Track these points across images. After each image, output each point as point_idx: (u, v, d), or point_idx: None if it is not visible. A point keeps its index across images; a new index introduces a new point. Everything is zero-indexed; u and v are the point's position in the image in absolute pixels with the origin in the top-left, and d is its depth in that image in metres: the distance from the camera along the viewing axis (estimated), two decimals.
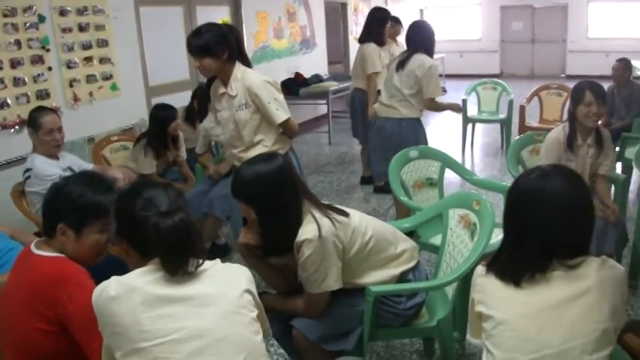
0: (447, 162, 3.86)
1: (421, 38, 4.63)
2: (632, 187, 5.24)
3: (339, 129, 9.79)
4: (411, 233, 3.30)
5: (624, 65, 6.08)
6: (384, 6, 13.40)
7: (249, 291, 1.79)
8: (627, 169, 5.10)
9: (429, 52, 4.62)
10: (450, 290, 2.64)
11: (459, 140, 7.82)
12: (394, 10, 13.66)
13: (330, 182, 6.63)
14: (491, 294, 1.74)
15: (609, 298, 1.64)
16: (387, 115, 4.73)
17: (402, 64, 4.58)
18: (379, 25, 5.83)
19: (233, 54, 3.46)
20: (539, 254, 1.68)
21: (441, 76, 15.03)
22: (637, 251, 3.82)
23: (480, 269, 1.81)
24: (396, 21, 7.27)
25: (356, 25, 12.19)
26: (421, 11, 17.31)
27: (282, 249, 2.39)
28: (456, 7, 17.40)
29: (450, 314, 2.63)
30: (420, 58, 4.51)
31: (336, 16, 11.74)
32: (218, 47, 3.37)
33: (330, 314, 2.42)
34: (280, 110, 3.52)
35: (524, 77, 16.13)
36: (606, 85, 6.20)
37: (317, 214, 2.32)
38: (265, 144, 3.59)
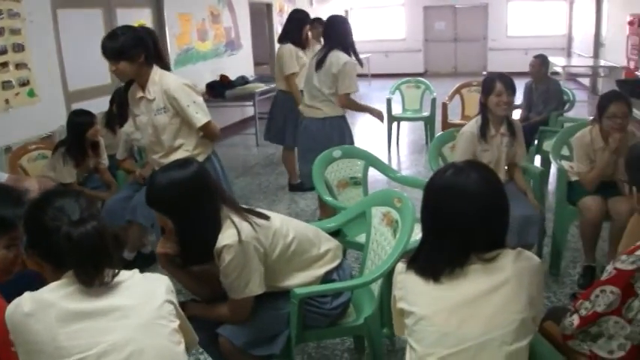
0: (370, 161, 3.90)
1: (337, 34, 4.55)
2: (551, 178, 5.42)
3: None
4: (337, 232, 3.32)
5: (541, 62, 6.30)
6: (308, 7, 13.55)
7: (169, 301, 1.74)
8: (545, 162, 5.30)
9: (346, 48, 4.54)
10: (376, 287, 2.66)
11: (385, 138, 7.95)
12: (319, 12, 13.76)
13: (259, 184, 6.59)
14: (412, 290, 1.76)
15: (526, 289, 1.68)
16: (311, 115, 4.70)
17: (319, 63, 4.53)
18: (298, 26, 5.81)
19: (150, 57, 3.38)
20: (457, 249, 1.71)
21: (366, 75, 15.39)
22: (556, 241, 3.98)
23: (400, 266, 1.83)
24: (320, 22, 7.28)
25: (281, 26, 12.14)
26: (346, 12, 17.43)
27: (203, 256, 2.34)
28: (380, 8, 17.63)
29: (377, 311, 2.65)
30: (335, 55, 4.46)
31: (262, 17, 11.69)
32: (134, 50, 3.28)
33: (256, 319, 2.40)
34: (200, 113, 3.46)
35: (448, 75, 16.49)
36: (525, 81, 6.47)
37: (236, 219, 2.28)
38: (186, 148, 3.53)
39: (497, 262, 1.70)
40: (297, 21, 5.85)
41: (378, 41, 17.38)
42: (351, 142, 4.66)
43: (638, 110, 5.38)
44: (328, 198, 3.54)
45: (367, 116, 9.13)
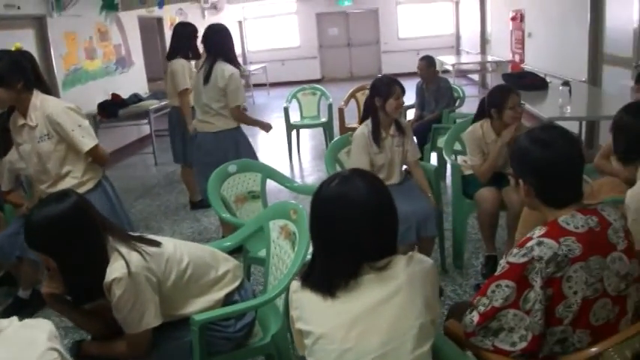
0: (267, 173, 3.83)
1: (217, 43, 4.41)
2: (448, 173, 5.54)
3: (164, 148, 9.47)
4: (240, 248, 3.23)
5: (427, 62, 6.42)
6: (200, 20, 13.36)
7: (52, 349, 1.59)
8: (441, 159, 5.42)
9: (230, 58, 4.40)
10: (281, 303, 2.58)
11: (285, 147, 7.93)
12: (213, 22, 13.58)
13: (159, 205, 6.37)
14: (308, 308, 1.70)
15: (421, 293, 1.66)
16: (205, 129, 4.57)
17: (206, 77, 4.39)
18: (187, 39, 5.63)
19: (29, 82, 3.20)
20: (349, 261, 1.66)
21: (265, 85, 15.34)
22: (456, 234, 4.06)
23: (295, 285, 1.76)
24: None
25: None
26: (240, 23, 17.36)
27: (93, 293, 2.19)
28: (273, 17, 17.66)
29: (284, 327, 2.57)
30: (220, 69, 4.32)
31: (153, 32, 11.41)
32: (11, 77, 3.10)
33: (157, 351, 2.27)
34: (86, 137, 3.29)
35: (345, 80, 16.73)
36: (417, 82, 6.62)
37: (124, 250, 2.15)
38: (74, 175, 3.34)
39: (390, 269, 1.67)
40: (186, 34, 5.65)
41: (273, 50, 17.45)
42: (249, 154, 4.55)
43: (523, 101, 5.59)
44: (225, 215, 3.43)
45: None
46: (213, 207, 3.51)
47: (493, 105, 3.76)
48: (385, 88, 3.66)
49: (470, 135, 3.87)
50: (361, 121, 3.86)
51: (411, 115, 6.92)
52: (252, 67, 15.50)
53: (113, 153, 8.67)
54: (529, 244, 1.72)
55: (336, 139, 4.26)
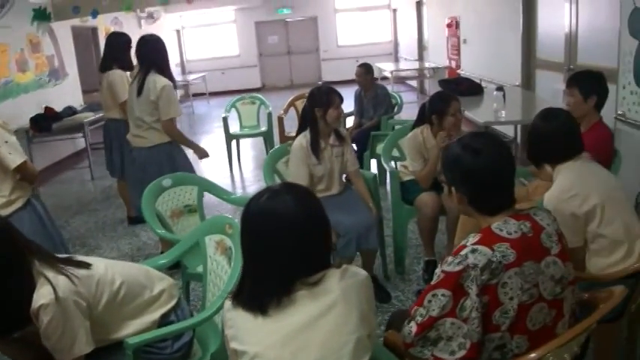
0: (203, 186, 3.75)
1: (150, 55, 4.28)
2: (388, 179, 5.55)
3: (101, 162, 9.20)
4: (178, 264, 3.14)
5: (365, 70, 6.46)
6: (137, 29, 13.12)
7: None
8: (380, 165, 5.43)
9: (163, 69, 4.28)
10: (220, 321, 2.51)
11: (226, 157, 7.84)
12: (150, 32, 13.36)
13: (96, 221, 6.17)
14: (242, 327, 1.64)
15: (356, 306, 1.62)
16: (139, 144, 4.43)
17: (139, 90, 4.25)
18: (121, 50, 5.47)
19: None
20: (280, 277, 1.62)
21: (204, 94, 15.18)
22: (397, 240, 4.07)
23: (228, 303, 1.71)
24: None
25: None
26: (178, 32, 17.16)
27: (20, 321, 2.07)
28: (212, 26, 17.52)
29: (224, 346, 2.49)
30: (152, 80, 4.20)
31: (87, 43, 11.13)
32: None
33: None
34: (14, 154, 3.15)
35: (285, 88, 16.75)
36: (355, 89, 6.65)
37: (50, 274, 2.03)
38: (2, 194, 3.19)
39: (323, 284, 1.63)
40: (120, 44, 5.47)
41: (213, 59, 17.31)
42: (186, 167, 4.44)
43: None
44: (160, 231, 3.33)
45: (208, 137, 9.05)
46: (148, 223, 3.41)
47: (434, 111, 3.78)
48: (325, 97, 3.62)
49: (411, 141, 3.89)
50: (298, 131, 3.79)
51: (350, 122, 6.93)
52: (191, 77, 15.33)
53: (48, 168, 8.49)
54: (463, 252, 1.71)
55: (273, 149, 4.21)
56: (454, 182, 1.91)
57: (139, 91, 4.25)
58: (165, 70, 4.29)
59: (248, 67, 17.39)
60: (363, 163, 5.52)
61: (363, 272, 1.73)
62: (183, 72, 17.12)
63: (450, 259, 1.72)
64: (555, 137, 2.52)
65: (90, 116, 8.44)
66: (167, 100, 4.20)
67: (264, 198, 1.67)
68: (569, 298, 1.83)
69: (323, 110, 3.60)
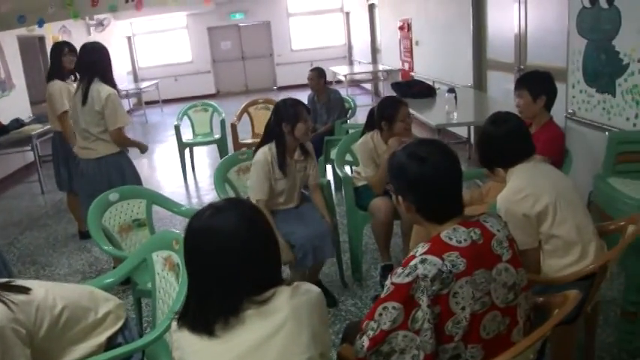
0: (152, 198, 3.63)
1: (92, 63, 4.12)
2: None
3: (52, 174, 9.00)
4: (129, 280, 3.03)
5: (317, 74, 6.42)
6: (86, 36, 12.84)
7: None
8: (336, 170, 5.38)
9: (106, 77, 4.13)
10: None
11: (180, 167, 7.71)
12: (99, 39, 13.08)
13: (47, 237, 5.98)
14: (188, 350, 1.57)
15: (307, 325, 1.57)
16: (86, 156, 4.27)
17: (83, 100, 4.10)
18: (57, 59, 5.28)
19: None
20: (225, 296, 1.55)
21: (157, 102, 14.95)
22: (353, 246, 4.02)
23: (174, 324, 1.63)
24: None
25: None
26: (129, 39, 16.89)
27: None
28: (163, 32, 17.28)
29: None
30: (95, 90, 4.05)
31: (34, 52, 10.83)
32: None
33: None
34: None
35: (240, 94, 16.63)
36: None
37: None
38: None
39: (273, 302, 1.57)
40: (59, 54, 5.25)
41: (165, 66, 17.09)
42: (135, 179, 4.33)
43: (410, 109, 5.67)
44: (107, 248, 3.21)
45: (162, 146, 8.89)
46: (94, 239, 3.28)
47: (384, 117, 3.76)
48: (292, 112, 3.49)
49: (362, 147, 3.85)
50: (261, 144, 3.64)
51: None
52: (143, 84, 15.07)
53: None
54: (412, 262, 1.67)
55: (223, 158, 4.12)
56: (400, 191, 1.87)
57: (83, 101, 4.10)
58: (108, 79, 4.15)
59: (202, 74, 17.22)
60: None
61: (316, 289, 1.68)
62: (136, 80, 16.85)
63: (399, 270, 1.68)
64: (505, 141, 2.51)
65: (38, 128, 8.20)
66: (113, 109, 4.06)
67: (206, 215, 1.62)
68: (522, 305, 1.80)
69: (291, 125, 3.49)
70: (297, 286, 1.64)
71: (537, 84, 3.46)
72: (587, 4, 4.29)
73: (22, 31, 9.65)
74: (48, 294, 2.09)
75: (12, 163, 8.79)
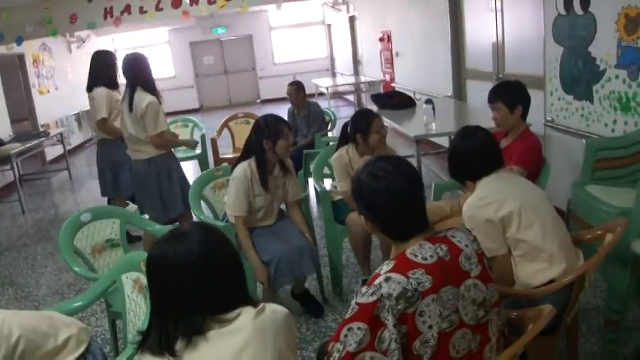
0: (126, 217, 3.56)
1: (133, 73, 4.31)
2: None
3: (34, 192, 9.01)
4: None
5: (296, 87, 6.38)
6: (67, 53, 12.78)
7: None
8: None
9: (148, 86, 4.29)
10: None
11: None
12: (80, 56, 13.05)
13: (26, 257, 5.88)
14: None
15: (271, 346, 1.55)
16: (137, 157, 4.46)
17: (130, 107, 4.28)
18: (106, 68, 5.39)
19: None
20: (186, 318, 1.53)
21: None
22: (332, 260, 3.97)
23: (137, 350, 1.59)
24: None
25: (38, 78, 11.30)
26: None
27: None
28: (144, 48, 17.15)
29: None
30: (138, 98, 4.21)
31: (14, 70, 10.72)
32: None
33: None
34: None
35: (224, 108, 16.59)
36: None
37: None
38: None
39: (236, 322, 1.55)
40: (105, 64, 5.42)
41: None
42: (181, 180, 4.56)
43: (390, 120, 5.65)
44: (77, 269, 3.13)
45: None
46: (64, 261, 3.21)
47: (358, 130, 3.73)
48: (273, 128, 3.45)
49: (337, 161, 3.82)
50: (240, 159, 3.60)
51: None
52: None
53: None
54: (377, 281, 1.62)
55: (199, 175, 4.07)
56: (360, 209, 1.84)
57: (130, 109, 4.29)
58: (150, 87, 4.31)
59: (185, 88, 17.17)
60: None
61: (283, 310, 1.66)
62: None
63: (363, 289, 1.63)
64: (474, 155, 2.51)
65: (17, 147, 8.12)
66: (152, 116, 4.22)
67: (167, 239, 1.62)
68: (494, 321, 1.75)
69: (272, 142, 3.44)
70: (262, 307, 1.62)
71: (512, 94, 3.44)
72: (563, 11, 4.29)
73: (2, 49, 9.58)
74: (4, 323, 2.02)
75: None
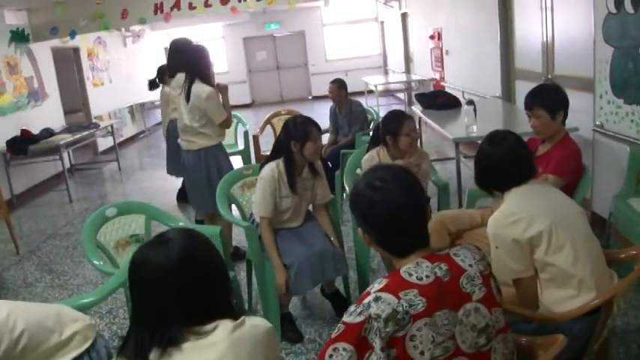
0: (151, 214, 3.54)
1: (185, 63, 4.42)
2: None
3: (84, 182, 9.25)
4: None
5: (338, 85, 6.28)
6: (122, 47, 13.01)
7: None
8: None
9: (204, 75, 4.35)
10: None
11: None
12: (135, 50, 13.29)
13: (67, 245, 6.00)
14: None
15: None
16: (188, 147, 4.56)
17: (187, 97, 4.38)
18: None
19: None
20: (162, 327, 1.49)
21: None
22: (360, 267, 3.85)
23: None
24: None
25: (92, 70, 11.55)
26: (166, 49, 17.02)
27: None
28: (199, 43, 17.30)
29: None
30: (196, 90, 4.29)
31: (69, 63, 11.01)
32: None
33: None
34: None
35: (275, 103, 16.63)
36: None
37: None
38: None
39: (212, 335, 1.49)
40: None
41: None
42: (230, 169, 4.55)
43: (432, 121, 5.51)
44: (96, 262, 3.12)
45: None
46: (86, 256, 3.21)
47: (388, 132, 3.62)
48: (302, 130, 3.36)
49: (367, 164, 3.71)
50: (269, 158, 3.52)
51: (324, 139, 6.72)
52: None
53: (28, 191, 8.44)
54: (366, 300, 1.52)
55: (229, 173, 4.02)
56: (357, 220, 1.72)
57: (187, 99, 4.39)
58: (207, 78, 4.38)
59: (237, 84, 17.24)
60: (334, 184, 5.31)
61: (265, 325, 1.59)
62: None
63: (352, 308, 1.53)
64: (502, 162, 2.32)
65: (67, 138, 8.31)
66: (215, 106, 4.35)
67: (150, 244, 1.59)
68: (499, 349, 1.61)
69: (300, 144, 3.36)
70: (242, 320, 1.56)
71: (553, 100, 3.23)
72: (613, 10, 4.06)
73: (57, 42, 9.84)
74: (10, 316, 2.03)
75: (43, 172, 8.91)
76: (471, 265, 1.61)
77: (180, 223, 3.56)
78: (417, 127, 6.87)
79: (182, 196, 6.61)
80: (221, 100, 4.43)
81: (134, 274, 1.57)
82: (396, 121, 3.61)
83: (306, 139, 3.35)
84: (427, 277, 1.54)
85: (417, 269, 1.56)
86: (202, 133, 4.48)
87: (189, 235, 1.62)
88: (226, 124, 4.55)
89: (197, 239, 1.61)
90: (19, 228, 6.83)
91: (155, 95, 13.81)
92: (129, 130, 12.86)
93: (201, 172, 4.50)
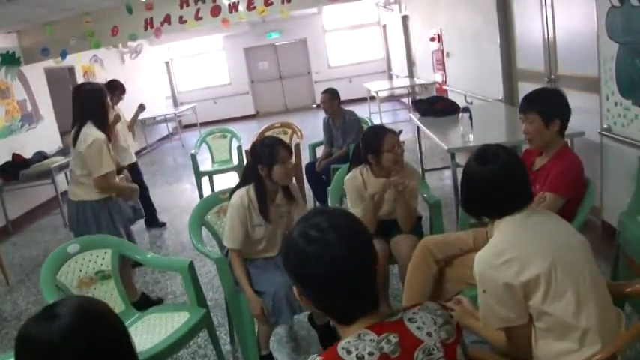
0: (119, 247, 3.27)
1: (88, 105, 3.88)
2: None
3: None
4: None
5: (330, 95, 5.98)
6: (120, 64, 12.81)
7: None
8: None
9: (98, 118, 3.88)
10: None
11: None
12: (133, 66, 13.09)
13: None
14: None
15: None
16: (69, 197, 4.08)
17: (74, 141, 3.90)
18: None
19: None
20: None
21: (195, 125, 14.80)
22: None
23: None
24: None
25: None
26: (167, 64, 16.89)
27: None
28: (200, 55, 17.25)
29: None
30: (85, 133, 3.82)
31: (65, 83, 10.80)
32: None
33: None
34: None
35: (280, 113, 16.44)
36: (350, 110, 6.12)
37: None
38: None
39: None
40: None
41: (204, 89, 17.07)
42: (111, 232, 3.89)
43: (429, 129, 5.22)
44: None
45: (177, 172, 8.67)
46: (45, 299, 2.94)
47: (369, 150, 3.32)
48: (267, 153, 3.07)
49: (349, 183, 3.41)
50: (239, 186, 3.25)
51: (319, 152, 6.42)
52: (181, 108, 15.00)
53: (24, 216, 8.23)
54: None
55: (202, 199, 3.71)
56: (290, 277, 1.40)
57: (74, 142, 3.91)
58: (101, 123, 3.90)
59: (240, 95, 17.09)
60: (326, 199, 5.01)
61: None
62: (175, 104, 16.83)
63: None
64: (492, 185, 1.95)
65: (59, 161, 8.10)
66: (96, 155, 3.80)
67: (37, 317, 1.35)
68: None
69: (268, 168, 3.07)
70: None
71: (550, 105, 2.91)
72: (616, 3, 3.76)
73: (51, 63, 9.66)
74: None
75: (37, 196, 8.69)
76: (429, 334, 1.30)
77: (148, 256, 3.28)
78: (417, 135, 6.60)
79: (150, 222, 6.60)
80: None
81: (17, 350, 1.33)
82: (375, 137, 3.29)
83: (274, 162, 3.06)
84: (370, 354, 1.23)
85: (358, 344, 1.25)
86: (82, 183, 3.97)
87: (81, 308, 1.35)
88: (103, 183, 3.88)
89: (89, 314, 1.34)
90: (14, 255, 6.66)
91: (159, 110, 13.76)
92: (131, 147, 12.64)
93: (78, 229, 3.95)
